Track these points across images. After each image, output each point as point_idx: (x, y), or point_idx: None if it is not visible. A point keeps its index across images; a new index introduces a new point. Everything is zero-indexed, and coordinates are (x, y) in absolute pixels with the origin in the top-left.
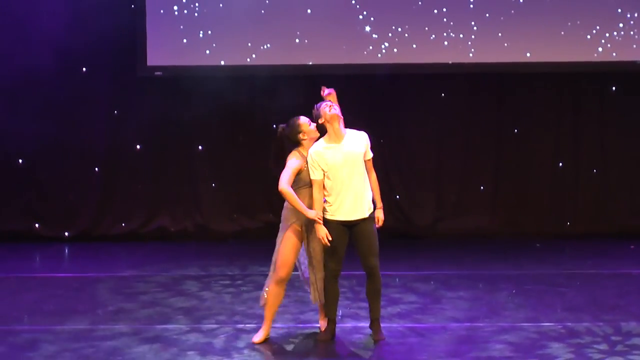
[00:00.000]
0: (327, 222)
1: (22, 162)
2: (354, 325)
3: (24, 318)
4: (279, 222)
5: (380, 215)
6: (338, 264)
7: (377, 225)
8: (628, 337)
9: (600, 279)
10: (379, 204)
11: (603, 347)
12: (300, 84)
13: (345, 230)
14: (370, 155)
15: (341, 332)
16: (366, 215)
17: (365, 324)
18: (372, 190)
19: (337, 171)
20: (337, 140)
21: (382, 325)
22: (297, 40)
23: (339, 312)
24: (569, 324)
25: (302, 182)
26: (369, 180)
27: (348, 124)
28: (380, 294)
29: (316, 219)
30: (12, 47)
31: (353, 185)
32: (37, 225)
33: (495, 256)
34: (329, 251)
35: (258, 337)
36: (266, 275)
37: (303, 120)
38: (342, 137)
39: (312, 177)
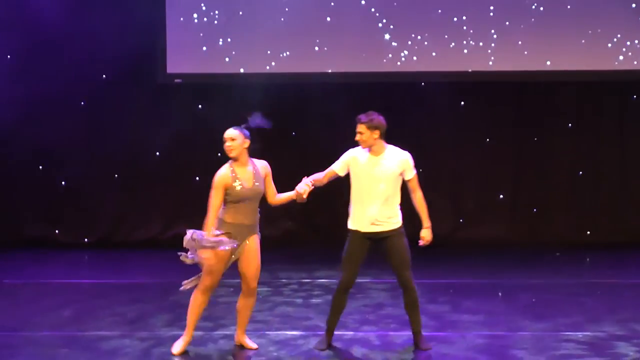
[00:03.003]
0: (349, 231)
1: (42, 168)
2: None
3: (44, 324)
4: (298, 229)
5: (425, 234)
6: (352, 276)
7: (421, 244)
8: None
9: (620, 288)
10: (425, 223)
11: (616, 356)
12: (319, 92)
13: (367, 243)
14: (410, 175)
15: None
16: (392, 228)
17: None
18: (417, 209)
19: (365, 181)
20: (376, 153)
21: (400, 333)
22: (316, 48)
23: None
24: (589, 333)
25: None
26: (414, 199)
27: None
28: (418, 306)
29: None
30: (36, 58)
31: (378, 199)
32: (57, 231)
33: (514, 265)
34: (344, 262)
35: (177, 347)
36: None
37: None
38: (383, 150)
39: (332, 166)
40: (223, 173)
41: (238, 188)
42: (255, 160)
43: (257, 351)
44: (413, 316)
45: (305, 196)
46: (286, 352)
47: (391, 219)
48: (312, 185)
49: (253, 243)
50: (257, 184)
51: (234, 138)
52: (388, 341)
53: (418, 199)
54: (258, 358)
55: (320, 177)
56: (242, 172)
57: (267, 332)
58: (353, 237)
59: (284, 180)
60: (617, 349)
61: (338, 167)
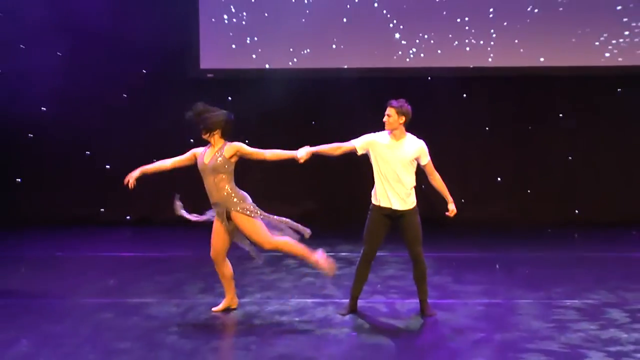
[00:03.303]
0: (371, 206)
1: (89, 154)
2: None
3: (90, 292)
4: (318, 208)
5: (452, 208)
6: (373, 248)
7: (451, 215)
8: (632, 313)
9: (606, 261)
10: (449, 198)
11: (609, 320)
12: (336, 85)
13: (386, 221)
14: (425, 161)
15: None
16: (408, 208)
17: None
18: (438, 189)
19: (384, 163)
20: (397, 138)
21: (408, 301)
22: (333, 46)
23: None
24: (580, 300)
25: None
26: (433, 181)
27: (378, 122)
28: (426, 278)
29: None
30: (84, 54)
31: (395, 180)
32: (101, 210)
33: (511, 241)
34: (366, 235)
35: (218, 307)
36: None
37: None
38: (403, 137)
39: (353, 141)
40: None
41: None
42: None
43: (277, 316)
44: (421, 286)
45: (302, 161)
46: (307, 317)
47: (408, 198)
48: (312, 153)
49: (235, 220)
50: (211, 162)
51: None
52: (395, 309)
53: (437, 180)
54: (280, 318)
55: (326, 149)
56: (210, 151)
57: (290, 300)
58: (374, 213)
59: (304, 163)
60: (608, 314)
61: (359, 144)
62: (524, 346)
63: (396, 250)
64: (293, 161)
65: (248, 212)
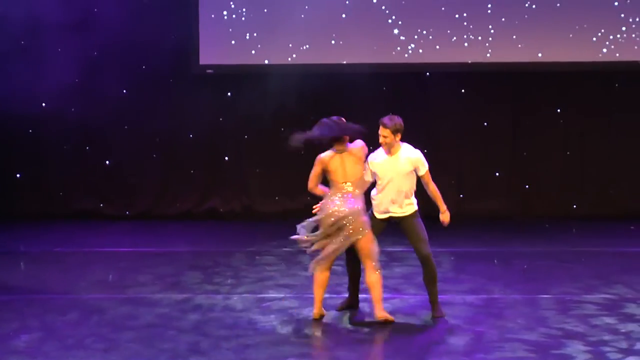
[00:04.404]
0: (371, 210)
1: (89, 149)
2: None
3: (91, 287)
4: (316, 203)
5: (443, 218)
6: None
7: (443, 224)
8: (629, 307)
9: (603, 256)
10: (442, 208)
11: (607, 314)
12: (335, 81)
13: (382, 224)
14: (422, 172)
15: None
16: (406, 213)
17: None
18: (433, 199)
19: (383, 177)
20: (392, 153)
21: (408, 295)
22: (332, 42)
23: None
24: (576, 296)
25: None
26: (428, 191)
27: (377, 118)
28: (436, 281)
29: None
30: (84, 48)
31: (395, 191)
32: (102, 205)
33: (509, 235)
34: None
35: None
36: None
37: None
38: (399, 150)
39: (365, 177)
40: None
41: None
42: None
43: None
44: (431, 289)
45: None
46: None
47: (406, 206)
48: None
49: None
50: None
51: None
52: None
53: (432, 190)
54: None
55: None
56: None
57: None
58: (371, 216)
59: (303, 157)
60: (601, 308)
61: (367, 176)
62: (519, 339)
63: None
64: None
65: None
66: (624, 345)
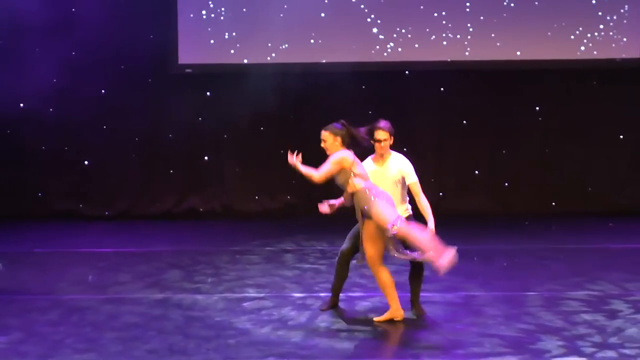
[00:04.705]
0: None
1: (68, 149)
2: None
3: (71, 287)
4: (297, 202)
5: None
6: (349, 247)
7: None
8: (608, 303)
9: (582, 253)
10: (430, 224)
11: (586, 311)
12: (314, 80)
13: None
14: (410, 180)
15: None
16: None
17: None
18: (421, 211)
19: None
20: (383, 159)
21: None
22: (311, 41)
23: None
24: (555, 292)
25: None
26: (418, 202)
27: (357, 116)
28: (422, 279)
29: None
30: (61, 48)
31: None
32: (81, 205)
33: (488, 233)
34: (349, 234)
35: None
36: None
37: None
38: (387, 158)
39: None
40: None
41: None
42: None
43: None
44: (414, 287)
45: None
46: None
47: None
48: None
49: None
50: None
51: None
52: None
53: (421, 202)
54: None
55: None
56: None
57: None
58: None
59: (283, 155)
60: (580, 304)
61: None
62: (498, 334)
63: None
64: (271, 156)
65: None
66: (598, 339)
